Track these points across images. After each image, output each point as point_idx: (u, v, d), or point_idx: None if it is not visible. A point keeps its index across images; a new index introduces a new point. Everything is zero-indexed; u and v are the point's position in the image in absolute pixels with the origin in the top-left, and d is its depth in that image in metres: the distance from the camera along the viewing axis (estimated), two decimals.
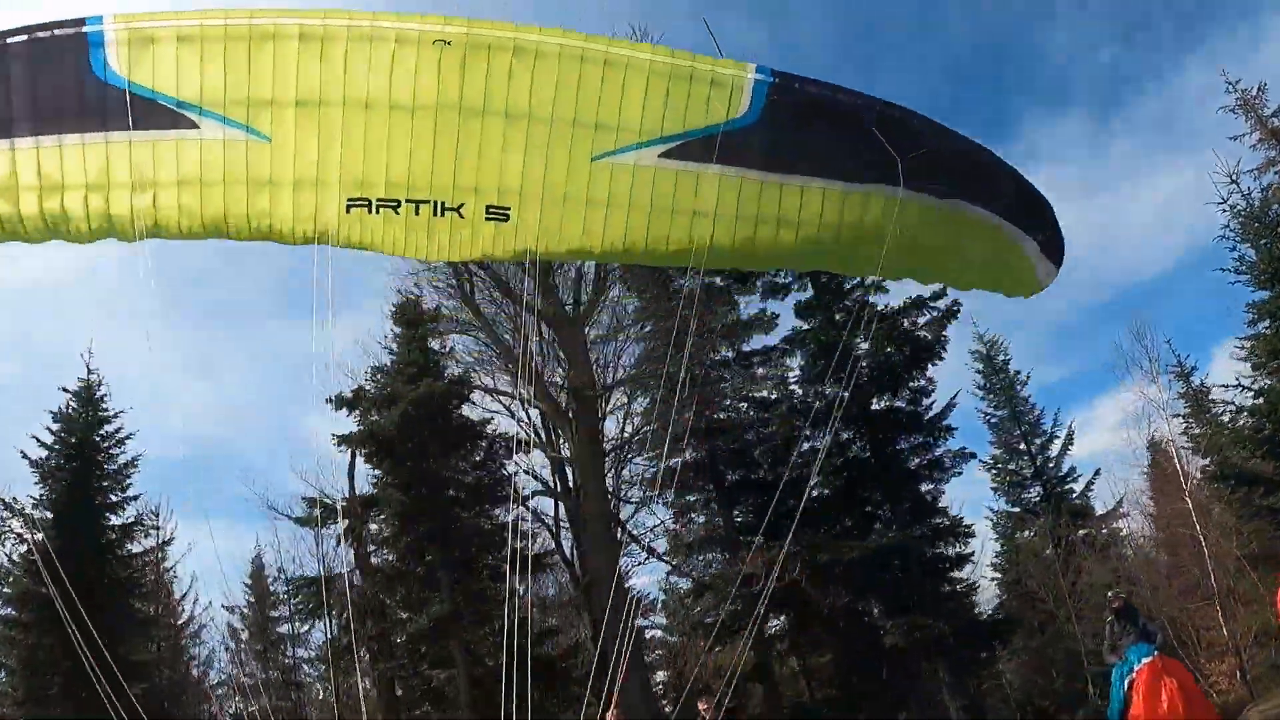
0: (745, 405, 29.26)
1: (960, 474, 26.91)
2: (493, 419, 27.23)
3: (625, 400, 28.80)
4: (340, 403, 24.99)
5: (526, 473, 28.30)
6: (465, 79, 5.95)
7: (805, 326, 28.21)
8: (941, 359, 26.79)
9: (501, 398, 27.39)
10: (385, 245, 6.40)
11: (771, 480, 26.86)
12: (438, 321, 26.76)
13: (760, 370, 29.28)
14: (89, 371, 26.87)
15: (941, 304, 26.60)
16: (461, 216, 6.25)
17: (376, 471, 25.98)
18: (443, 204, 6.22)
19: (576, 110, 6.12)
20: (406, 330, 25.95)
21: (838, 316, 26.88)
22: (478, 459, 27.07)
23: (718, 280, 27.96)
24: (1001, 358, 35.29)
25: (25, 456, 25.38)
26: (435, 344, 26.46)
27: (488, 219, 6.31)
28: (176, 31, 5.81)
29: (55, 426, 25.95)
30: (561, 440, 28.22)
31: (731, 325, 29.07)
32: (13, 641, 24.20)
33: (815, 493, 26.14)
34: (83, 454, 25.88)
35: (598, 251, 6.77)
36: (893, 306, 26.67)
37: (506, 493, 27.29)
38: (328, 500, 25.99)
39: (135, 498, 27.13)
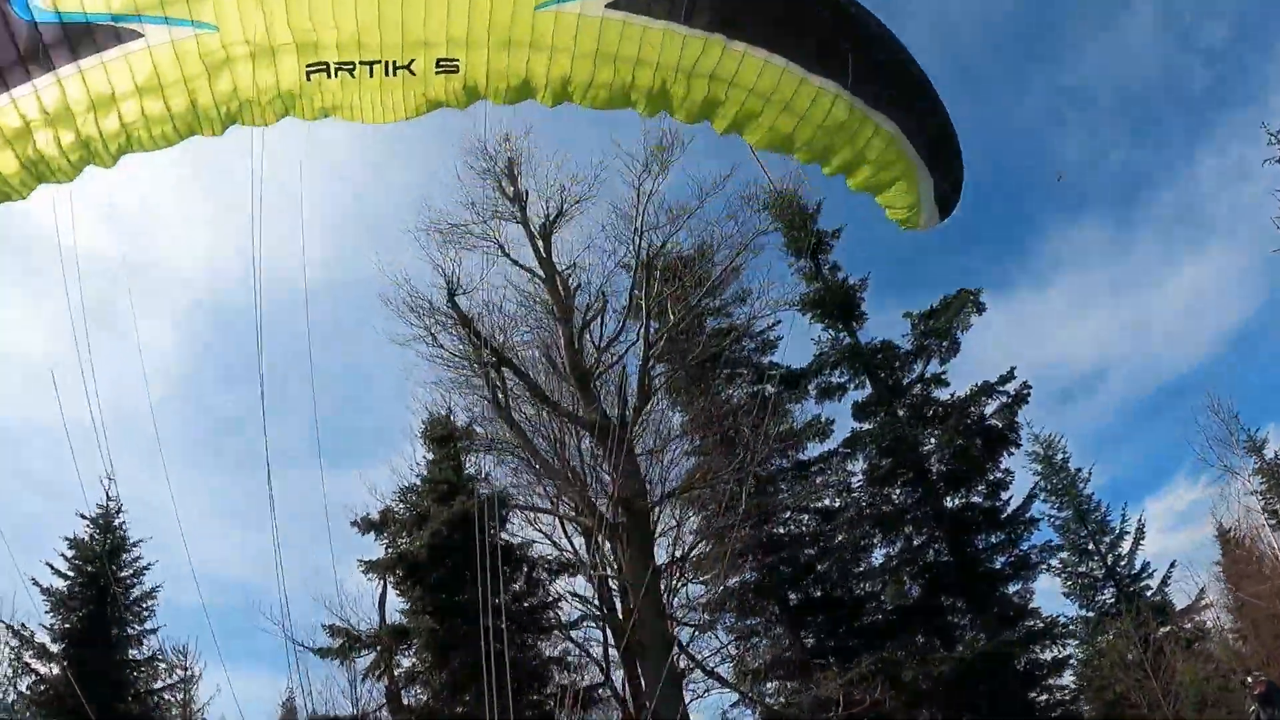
0: (806, 516, 27.25)
1: (1048, 569, 24.73)
2: (533, 543, 25.25)
3: (675, 522, 26.88)
4: (367, 526, 23.39)
5: (572, 598, 26.07)
6: None
7: (865, 427, 26.57)
8: (1018, 447, 25.01)
9: (543, 518, 25.48)
10: (346, 110, 6.31)
11: (841, 595, 24.62)
12: (470, 439, 25.18)
13: (819, 479, 27.45)
14: (108, 499, 25.53)
15: (1010, 388, 25.08)
16: (413, 73, 6.20)
17: (407, 600, 23.86)
18: (393, 63, 6.15)
19: None
20: (437, 448, 24.43)
21: (901, 413, 25.30)
22: (518, 586, 24.96)
23: (768, 388, 26.74)
24: (1060, 456, 33.29)
25: (37, 584, 24.12)
26: (470, 468, 24.87)
27: (438, 72, 6.25)
28: None
29: (70, 554, 24.76)
30: (610, 560, 26.12)
31: (785, 434, 27.46)
32: None
33: (890, 604, 23.84)
34: (98, 583, 24.53)
35: (543, 94, 6.49)
36: (959, 395, 25.15)
37: (551, 621, 25.19)
38: (353, 630, 23.92)
39: (155, 630, 25.73)
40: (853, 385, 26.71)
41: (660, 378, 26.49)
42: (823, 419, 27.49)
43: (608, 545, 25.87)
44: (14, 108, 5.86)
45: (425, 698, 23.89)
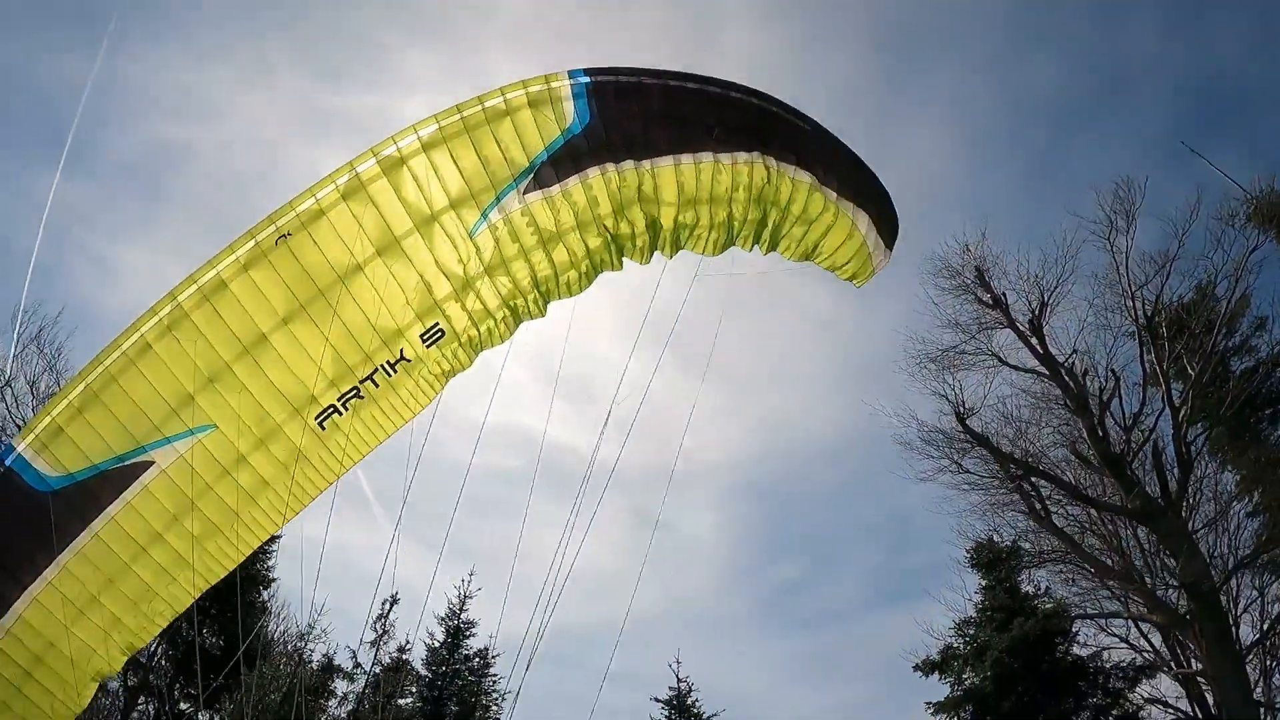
0: None
1: None
2: (1104, 651, 23.28)
3: (1257, 592, 23.51)
4: (928, 667, 22.84)
5: (1154, 703, 23.61)
6: (324, 255, 6.06)
7: None
8: None
9: (1110, 622, 23.48)
10: (373, 424, 6.47)
11: None
12: (1018, 558, 23.99)
13: None
14: (678, 680, 27.38)
15: None
16: (409, 360, 6.36)
17: None
18: (387, 364, 6.32)
19: (430, 207, 6.14)
20: (987, 574, 23.53)
21: None
22: (1093, 700, 23.10)
23: None
24: None
25: None
26: (1027, 585, 23.67)
27: (428, 345, 6.39)
28: (73, 407, 5.91)
29: None
30: (1190, 656, 23.39)
31: None
32: None
33: None
34: None
35: (531, 302, 6.60)
36: None
37: None
38: None
39: None
40: None
41: (1198, 440, 23.58)
42: None
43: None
44: (56, 595, 6.09)
45: None
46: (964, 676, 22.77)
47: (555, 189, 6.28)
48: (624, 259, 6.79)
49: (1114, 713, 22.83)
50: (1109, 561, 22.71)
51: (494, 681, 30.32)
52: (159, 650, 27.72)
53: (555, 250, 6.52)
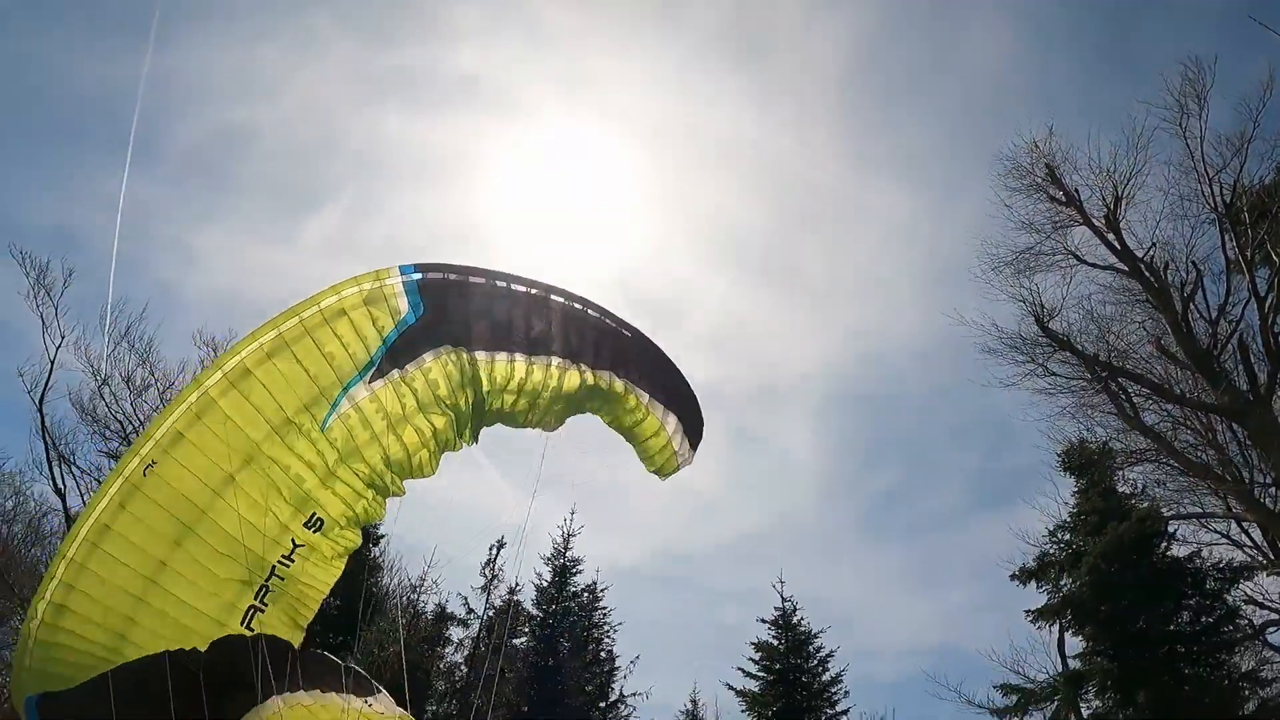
0: None
1: None
2: (1202, 550, 22.52)
3: None
4: (1025, 575, 22.24)
5: (1254, 603, 22.88)
6: (194, 474, 6.26)
7: None
8: None
9: (1209, 521, 22.69)
10: (297, 617, 6.79)
11: None
12: (1111, 459, 23.19)
13: None
14: (782, 600, 27.90)
15: None
16: (302, 545, 6.63)
17: (1084, 642, 22.42)
18: (284, 556, 6.56)
19: (285, 409, 6.41)
20: (1078, 478, 22.80)
21: None
22: (1194, 602, 22.38)
23: None
24: None
25: (731, 688, 26.92)
26: (1123, 486, 22.95)
27: (315, 533, 6.64)
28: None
29: (758, 656, 27.06)
30: None
31: None
32: None
33: None
34: (786, 679, 26.31)
35: (389, 482, 6.84)
36: None
37: (1237, 632, 22.23)
38: (1027, 683, 22.98)
39: (845, 712, 26.65)
40: None
41: None
42: None
43: None
44: None
45: None
46: (1061, 583, 22.41)
47: (396, 375, 6.66)
48: (463, 438, 7.15)
49: (1213, 614, 22.17)
50: (1204, 458, 21.88)
51: (604, 614, 31.23)
52: None
53: (405, 432, 6.84)
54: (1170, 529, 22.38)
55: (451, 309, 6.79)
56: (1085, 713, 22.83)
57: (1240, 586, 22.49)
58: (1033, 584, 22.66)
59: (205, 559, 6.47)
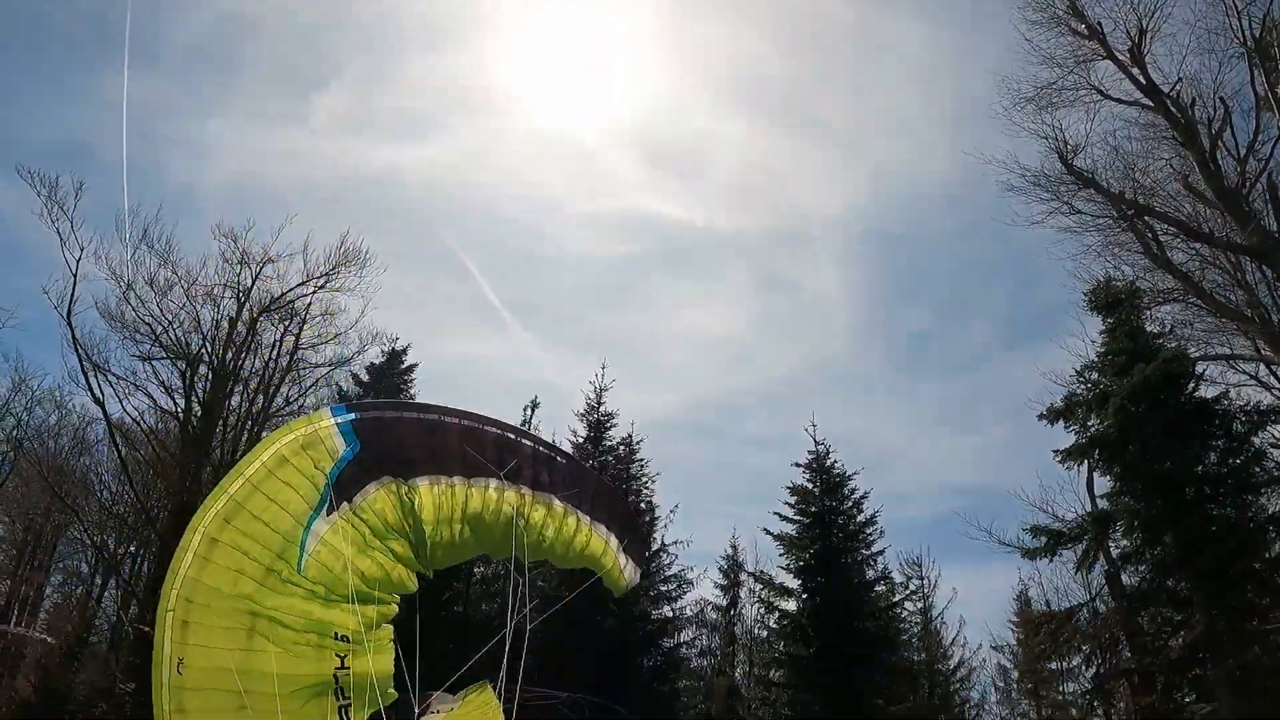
0: None
1: None
2: (1229, 392, 22.58)
3: None
4: (1053, 415, 22.48)
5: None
6: (217, 652, 6.38)
7: None
8: None
9: (1237, 363, 22.69)
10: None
11: None
12: (1138, 298, 23.12)
13: None
14: (815, 444, 28.59)
15: None
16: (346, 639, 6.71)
17: (1112, 481, 22.64)
18: (335, 674, 6.65)
19: (259, 563, 6.55)
20: (1105, 317, 22.81)
21: None
22: (1221, 443, 22.43)
23: None
24: None
25: (768, 532, 28.04)
26: (1152, 325, 22.96)
27: (347, 643, 6.70)
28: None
29: (794, 500, 27.91)
30: None
31: None
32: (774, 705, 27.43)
33: None
34: (822, 521, 27.20)
35: (379, 595, 6.94)
36: None
37: (1264, 475, 22.27)
38: (1055, 523, 23.31)
39: (881, 552, 27.90)
40: None
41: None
42: None
43: None
44: None
45: (1136, 579, 22.59)
46: (1089, 424, 22.50)
47: (347, 508, 6.85)
48: (422, 563, 7.24)
49: (1241, 456, 22.20)
50: (1232, 299, 21.81)
51: (641, 465, 31.76)
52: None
53: (373, 555, 7.01)
54: (1198, 370, 22.46)
55: (386, 444, 7.07)
56: (1114, 554, 23.19)
57: (1268, 430, 22.52)
58: (1060, 424, 22.80)
59: (270, 712, 6.57)
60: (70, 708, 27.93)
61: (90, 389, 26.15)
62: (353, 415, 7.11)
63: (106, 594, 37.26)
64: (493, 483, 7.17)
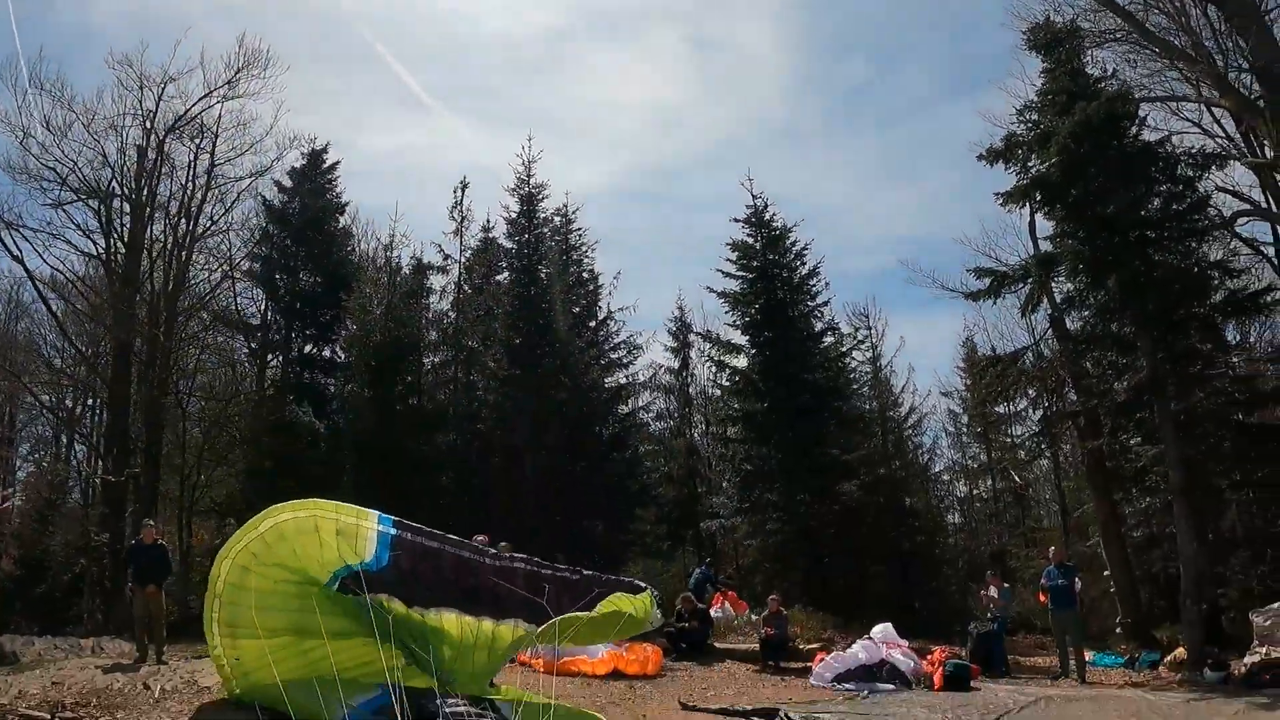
0: None
1: None
2: (1171, 136, 23.18)
3: None
4: (992, 156, 22.74)
5: (1225, 191, 23.68)
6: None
7: None
8: None
9: (1181, 106, 23.39)
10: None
11: None
12: (1078, 38, 23.00)
13: None
14: (753, 198, 28.72)
15: None
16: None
17: (1055, 224, 23.45)
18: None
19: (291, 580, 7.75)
20: (1046, 57, 23.00)
21: None
22: (1165, 188, 23.42)
23: None
24: None
25: (713, 290, 28.77)
26: (1092, 69, 23.08)
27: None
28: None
29: (735, 256, 28.51)
30: (1265, 144, 23.32)
31: None
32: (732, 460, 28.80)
33: None
34: (765, 275, 28.03)
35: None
36: None
37: (1207, 221, 23.04)
38: (999, 266, 24.32)
39: (826, 303, 28.75)
40: None
41: None
42: None
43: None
44: None
45: (1079, 323, 23.55)
46: (1029, 164, 22.36)
47: (364, 596, 7.12)
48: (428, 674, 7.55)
49: (1184, 202, 22.85)
50: (1176, 42, 22.35)
51: (579, 235, 32.40)
52: (268, 310, 30.51)
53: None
54: (1140, 113, 22.29)
55: (416, 572, 7.52)
56: (1058, 297, 24.24)
57: (1211, 176, 22.99)
58: (1001, 165, 22.62)
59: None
60: (51, 571, 27.86)
61: (6, 247, 25.78)
62: (394, 532, 7.47)
63: (74, 452, 36.33)
64: (521, 622, 7.61)
